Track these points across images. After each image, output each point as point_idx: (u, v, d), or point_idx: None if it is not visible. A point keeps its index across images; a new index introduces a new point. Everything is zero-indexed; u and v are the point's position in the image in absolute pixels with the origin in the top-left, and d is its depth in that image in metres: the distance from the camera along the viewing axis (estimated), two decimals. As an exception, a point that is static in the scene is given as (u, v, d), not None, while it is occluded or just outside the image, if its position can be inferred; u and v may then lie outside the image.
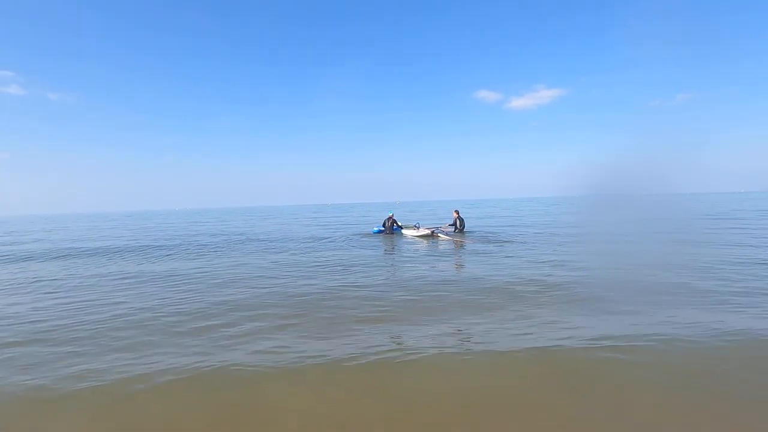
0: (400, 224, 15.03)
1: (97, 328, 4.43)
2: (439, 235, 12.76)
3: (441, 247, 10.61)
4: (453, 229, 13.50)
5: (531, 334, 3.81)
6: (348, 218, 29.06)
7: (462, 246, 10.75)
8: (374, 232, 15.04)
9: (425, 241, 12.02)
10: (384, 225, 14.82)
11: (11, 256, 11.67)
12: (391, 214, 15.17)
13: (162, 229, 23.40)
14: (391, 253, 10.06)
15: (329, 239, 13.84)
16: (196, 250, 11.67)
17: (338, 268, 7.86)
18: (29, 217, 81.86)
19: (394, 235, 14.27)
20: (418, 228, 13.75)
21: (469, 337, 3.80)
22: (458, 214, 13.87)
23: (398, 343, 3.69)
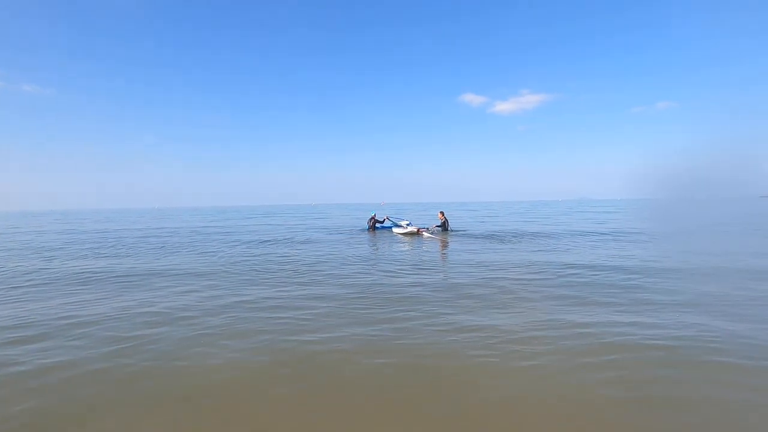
0: (382, 222, 15.69)
1: None
2: (423, 233, 13.02)
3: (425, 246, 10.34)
4: (440, 229, 13.82)
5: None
6: (345, 218, 28.84)
7: (446, 244, 10.71)
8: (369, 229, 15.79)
9: (410, 239, 12.18)
10: (368, 224, 15.54)
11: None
12: (373, 215, 15.80)
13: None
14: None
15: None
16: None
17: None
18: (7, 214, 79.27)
19: (377, 232, 14.90)
20: (407, 227, 13.86)
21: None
22: (444, 215, 14.24)
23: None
